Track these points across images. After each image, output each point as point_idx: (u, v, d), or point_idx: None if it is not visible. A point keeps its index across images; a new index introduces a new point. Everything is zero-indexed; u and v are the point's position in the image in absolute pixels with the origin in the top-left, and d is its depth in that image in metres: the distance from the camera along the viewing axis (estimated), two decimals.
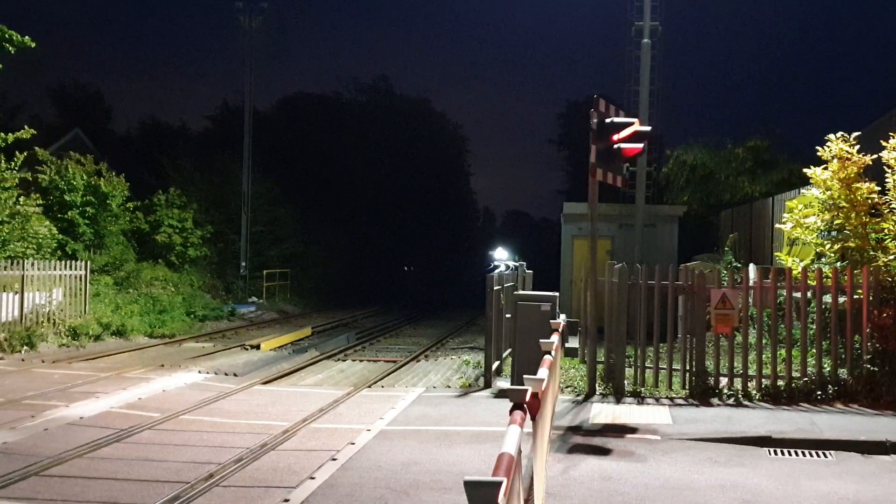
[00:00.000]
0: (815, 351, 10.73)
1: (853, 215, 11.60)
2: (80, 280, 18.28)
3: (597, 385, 11.13)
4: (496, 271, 13.99)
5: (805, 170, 12.52)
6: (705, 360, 10.74)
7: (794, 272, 11.46)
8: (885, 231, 11.45)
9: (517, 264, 18.33)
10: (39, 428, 8.73)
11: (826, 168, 11.87)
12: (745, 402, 10.25)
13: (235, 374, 13.56)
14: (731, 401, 10.31)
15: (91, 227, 23.43)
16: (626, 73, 22.29)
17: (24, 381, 11.82)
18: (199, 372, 13.55)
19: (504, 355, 13.22)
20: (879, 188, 11.61)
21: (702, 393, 10.54)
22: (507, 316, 12.76)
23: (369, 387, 12.27)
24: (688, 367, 10.92)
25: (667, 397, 10.66)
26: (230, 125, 42.02)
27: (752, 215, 21.77)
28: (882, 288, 10.54)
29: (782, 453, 8.16)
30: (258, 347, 17.80)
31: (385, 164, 53.00)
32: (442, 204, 63.12)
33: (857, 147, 11.69)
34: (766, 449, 8.26)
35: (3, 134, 16.83)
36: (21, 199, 18.59)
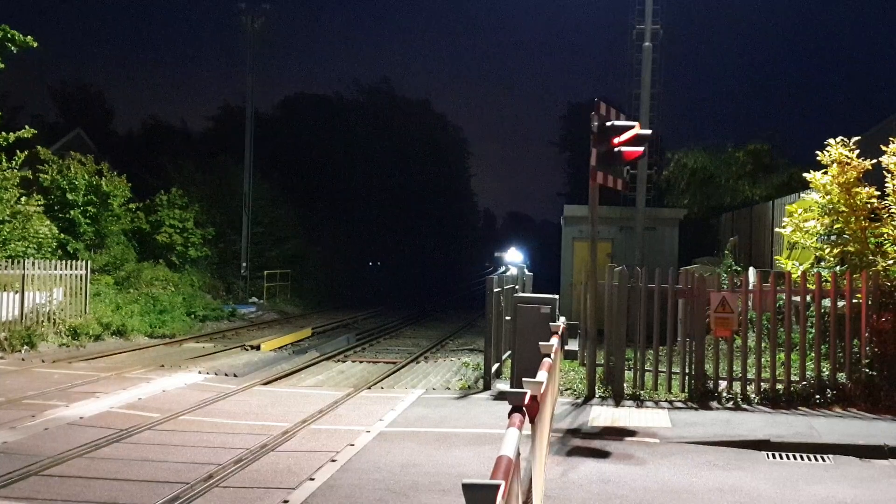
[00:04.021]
0: (814, 355, 10.74)
1: (853, 219, 11.61)
2: (81, 280, 18.29)
3: (596, 388, 11.14)
4: (496, 273, 14.00)
5: (805, 174, 12.55)
6: (704, 364, 10.75)
7: (794, 276, 11.47)
8: (885, 236, 11.47)
9: (518, 266, 18.36)
10: (39, 428, 8.75)
11: (826, 172, 11.89)
12: (744, 406, 10.26)
13: (235, 375, 13.58)
14: (730, 404, 10.32)
15: (92, 226, 23.47)
16: (627, 76, 22.35)
17: (24, 381, 11.84)
18: (200, 372, 13.57)
19: (504, 357, 13.23)
20: (879, 193, 11.63)
21: (701, 396, 10.55)
22: (507, 318, 12.77)
23: (369, 388, 12.29)
24: (687, 371, 10.94)
25: (666, 400, 10.67)
26: (231, 126, 42.09)
27: (753, 219, 21.78)
28: (881, 292, 10.54)
29: (781, 457, 8.17)
30: (258, 348, 17.81)
31: (386, 165, 53.06)
32: (442, 205, 63.20)
33: (857, 152, 11.70)
34: (765, 453, 8.27)
35: (4, 133, 16.85)
36: (22, 198, 18.62)
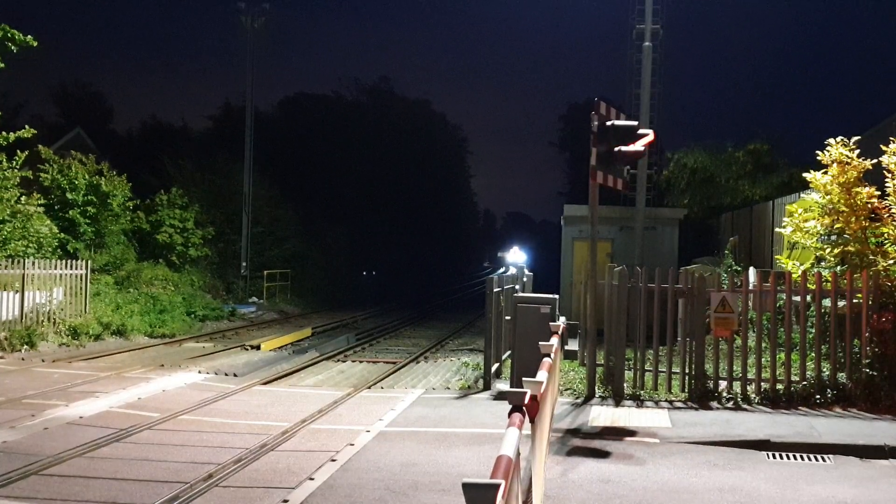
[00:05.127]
0: (814, 355, 10.74)
1: (853, 219, 11.61)
2: (81, 279, 18.29)
3: (596, 388, 11.14)
4: (496, 273, 14.00)
5: (805, 174, 12.53)
6: (705, 364, 10.74)
7: (794, 276, 11.47)
8: (885, 235, 11.46)
9: (517, 266, 18.35)
10: (39, 427, 8.74)
11: (826, 172, 11.88)
12: (744, 406, 10.26)
13: (235, 375, 13.57)
14: (730, 404, 10.32)
15: (92, 226, 23.45)
16: (626, 75, 22.33)
17: (24, 381, 11.83)
18: (199, 372, 13.57)
19: (504, 357, 13.23)
20: (879, 192, 11.62)
21: (701, 396, 10.55)
22: (507, 318, 12.77)
23: (369, 388, 12.29)
24: (687, 371, 10.93)
25: (666, 400, 10.67)
26: (231, 125, 42.07)
27: (753, 219, 21.78)
28: (881, 292, 10.54)
29: (781, 457, 8.16)
30: (258, 348, 17.81)
31: (385, 164, 53.05)
32: (442, 205, 63.18)
33: (857, 151, 11.70)
34: (765, 453, 8.26)
35: (4, 133, 16.84)
36: (23, 198, 18.61)
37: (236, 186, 32.27)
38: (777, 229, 14.84)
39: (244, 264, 30.99)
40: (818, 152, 12.02)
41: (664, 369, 11.23)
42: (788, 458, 8.15)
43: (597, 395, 10.97)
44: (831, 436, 8.72)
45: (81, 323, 17.56)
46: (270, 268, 31.64)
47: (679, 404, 10.46)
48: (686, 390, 10.84)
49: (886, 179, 11.48)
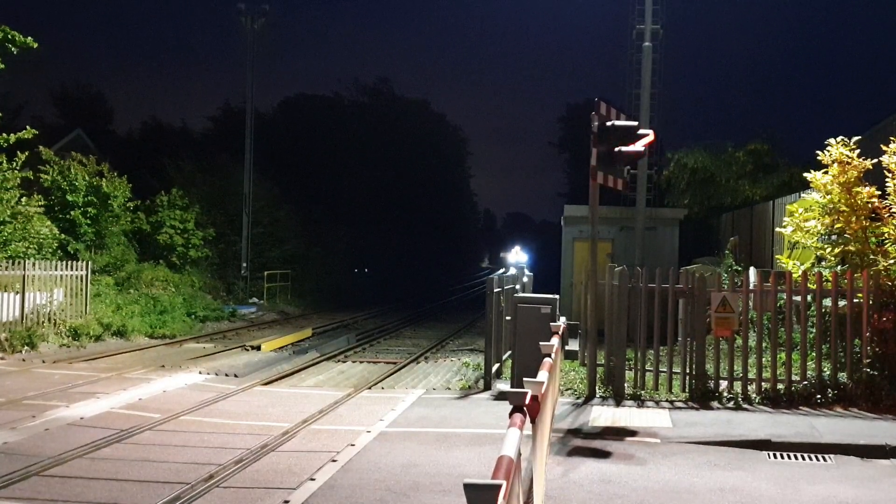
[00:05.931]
0: (814, 354, 10.73)
1: (853, 219, 11.61)
2: (81, 280, 18.29)
3: (597, 388, 11.14)
4: (496, 273, 14.00)
5: (805, 174, 12.54)
6: (705, 364, 10.74)
7: (795, 276, 11.47)
8: (886, 235, 11.46)
9: (518, 266, 18.36)
10: (40, 428, 8.74)
11: (826, 172, 11.88)
12: (745, 406, 10.26)
13: (236, 375, 13.58)
14: (730, 404, 10.31)
15: (92, 227, 23.46)
16: (626, 76, 22.32)
17: (24, 381, 11.83)
18: (200, 373, 13.57)
19: (504, 358, 13.23)
20: (880, 192, 11.63)
21: (701, 396, 10.54)
22: (508, 318, 12.77)
23: (369, 388, 12.29)
24: (688, 371, 10.93)
25: (667, 400, 10.67)
26: (231, 126, 42.09)
27: (753, 219, 21.77)
28: (882, 292, 10.54)
29: (782, 457, 8.16)
30: (259, 348, 17.81)
31: (385, 165, 53.07)
32: (442, 205, 63.21)
33: (858, 151, 11.70)
34: (766, 452, 8.26)
35: (5, 134, 16.84)
36: (23, 199, 18.62)
37: (236, 187, 32.27)
38: (777, 229, 14.85)
39: (244, 265, 31.00)
40: (818, 152, 12.03)
41: (665, 369, 11.23)
42: (789, 457, 8.15)
43: (597, 396, 10.97)
44: (832, 436, 8.71)
45: (82, 324, 17.56)
46: (271, 268, 31.64)
47: (680, 404, 10.45)
48: (687, 390, 10.84)
49: (887, 179, 11.48)
